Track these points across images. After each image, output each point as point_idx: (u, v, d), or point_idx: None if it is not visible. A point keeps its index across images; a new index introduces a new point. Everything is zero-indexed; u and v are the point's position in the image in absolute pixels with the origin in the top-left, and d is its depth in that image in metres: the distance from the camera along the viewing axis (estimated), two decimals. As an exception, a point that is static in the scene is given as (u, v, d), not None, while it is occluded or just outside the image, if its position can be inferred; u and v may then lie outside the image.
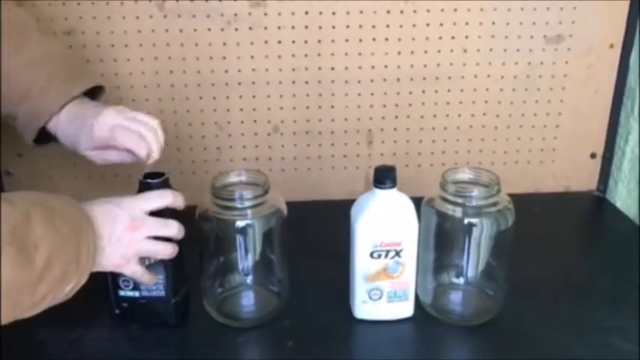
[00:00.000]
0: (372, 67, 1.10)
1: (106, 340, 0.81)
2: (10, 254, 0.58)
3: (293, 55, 1.09)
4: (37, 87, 0.84)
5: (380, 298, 0.83)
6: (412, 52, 1.09)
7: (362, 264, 0.81)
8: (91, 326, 0.82)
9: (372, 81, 1.11)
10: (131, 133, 0.81)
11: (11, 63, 0.83)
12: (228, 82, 1.10)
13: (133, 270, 0.75)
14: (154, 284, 0.80)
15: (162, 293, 0.80)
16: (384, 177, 0.79)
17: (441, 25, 1.08)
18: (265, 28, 1.06)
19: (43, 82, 0.84)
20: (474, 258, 0.84)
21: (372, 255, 0.80)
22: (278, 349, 0.80)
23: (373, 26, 1.07)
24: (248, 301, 0.88)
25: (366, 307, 0.83)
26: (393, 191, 0.79)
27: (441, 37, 1.09)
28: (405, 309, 0.84)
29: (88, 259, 0.67)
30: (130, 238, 0.73)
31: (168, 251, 0.77)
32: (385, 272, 0.80)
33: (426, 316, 0.85)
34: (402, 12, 1.06)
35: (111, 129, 0.81)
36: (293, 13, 1.05)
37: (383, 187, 0.79)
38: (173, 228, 0.76)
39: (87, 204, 0.71)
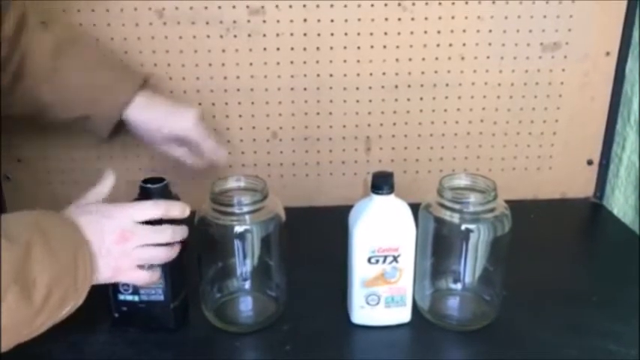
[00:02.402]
0: (370, 74, 1.11)
1: (104, 344, 0.81)
2: (14, 293, 0.59)
3: (291, 62, 1.09)
4: (103, 85, 0.93)
5: (377, 303, 0.83)
6: (410, 59, 1.10)
7: (359, 269, 0.81)
8: (90, 330, 0.83)
9: (370, 88, 1.12)
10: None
11: (72, 72, 0.92)
12: (227, 88, 1.11)
13: (135, 277, 0.75)
14: (153, 289, 0.80)
15: (162, 297, 0.81)
16: (382, 183, 0.79)
17: (439, 32, 1.08)
18: (264, 35, 1.07)
19: (107, 80, 0.94)
20: (471, 264, 0.85)
21: (369, 260, 0.80)
22: (275, 354, 0.81)
23: (371, 33, 1.08)
24: (246, 306, 0.89)
25: (364, 312, 0.84)
26: (391, 197, 0.80)
27: (438, 45, 1.09)
28: (402, 314, 0.85)
29: (85, 281, 0.67)
30: (121, 250, 0.71)
31: (164, 255, 0.76)
32: (383, 278, 0.81)
33: (424, 322, 0.86)
34: (399, 19, 1.07)
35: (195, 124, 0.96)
36: (291, 21, 1.06)
37: (380, 193, 0.79)
38: (167, 234, 0.75)
39: (73, 213, 0.71)
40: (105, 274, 0.72)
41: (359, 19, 1.07)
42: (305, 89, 1.12)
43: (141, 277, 0.76)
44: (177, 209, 0.76)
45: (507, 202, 0.83)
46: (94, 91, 0.93)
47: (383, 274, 0.81)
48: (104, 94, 0.93)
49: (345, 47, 1.08)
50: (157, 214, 0.74)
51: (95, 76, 0.94)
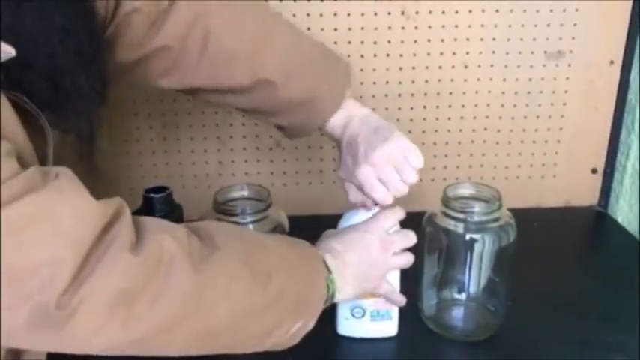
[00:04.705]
0: (374, 82, 1.11)
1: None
2: (245, 277, 0.60)
3: (295, 71, 1.09)
4: (307, 90, 0.78)
5: (363, 316, 0.82)
6: (413, 68, 1.10)
7: None
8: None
9: (373, 96, 1.12)
10: (383, 187, 0.77)
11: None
12: (230, 97, 1.11)
13: (386, 289, 0.77)
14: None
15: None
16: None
17: (442, 41, 1.08)
18: (268, 43, 1.07)
19: (313, 81, 0.78)
20: (476, 273, 0.84)
21: None
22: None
23: (375, 42, 1.08)
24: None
25: (349, 323, 0.83)
26: (376, 210, 0.79)
27: (442, 53, 1.09)
28: (388, 327, 0.84)
29: (319, 301, 0.67)
30: (384, 258, 0.74)
31: (412, 259, 0.76)
32: None
33: (427, 333, 0.85)
34: (403, 28, 1.07)
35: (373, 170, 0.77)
36: (295, 29, 1.06)
37: None
38: (413, 236, 0.76)
39: (329, 236, 0.74)
40: (373, 283, 0.75)
41: (362, 28, 1.07)
42: (308, 98, 1.11)
43: (391, 290, 0.78)
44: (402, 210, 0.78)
45: (511, 210, 0.83)
46: (300, 96, 0.78)
47: None
48: (311, 101, 0.78)
49: (348, 56, 1.08)
50: (400, 217, 0.77)
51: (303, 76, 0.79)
